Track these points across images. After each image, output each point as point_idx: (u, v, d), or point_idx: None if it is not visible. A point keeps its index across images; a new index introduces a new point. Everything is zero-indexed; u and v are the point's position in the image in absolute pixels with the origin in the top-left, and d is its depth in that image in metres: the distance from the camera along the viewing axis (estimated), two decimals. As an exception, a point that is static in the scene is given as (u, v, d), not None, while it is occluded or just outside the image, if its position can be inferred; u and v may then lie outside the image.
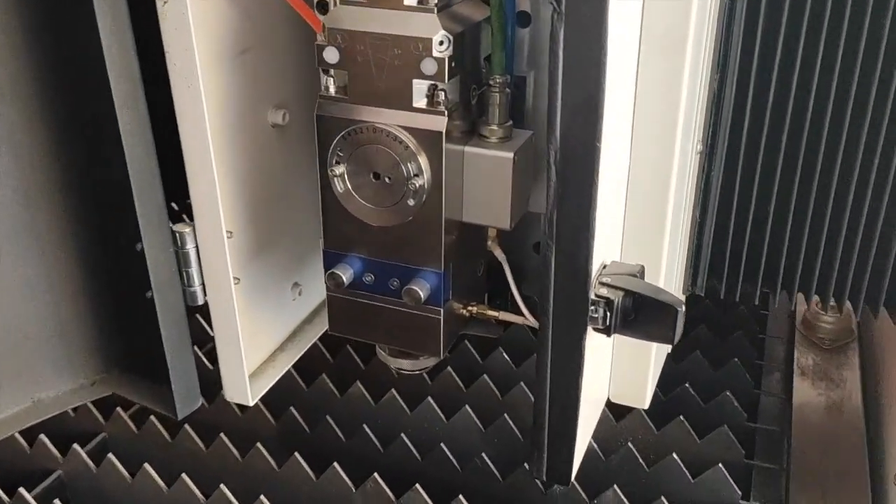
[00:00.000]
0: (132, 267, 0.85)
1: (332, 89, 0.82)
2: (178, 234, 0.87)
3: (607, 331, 0.78)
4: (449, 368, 1.23)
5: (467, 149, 0.83)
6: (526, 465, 1.09)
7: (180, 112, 0.83)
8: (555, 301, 0.78)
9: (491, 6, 0.81)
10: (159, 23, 0.80)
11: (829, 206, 0.87)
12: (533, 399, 0.81)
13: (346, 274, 0.87)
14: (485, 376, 1.21)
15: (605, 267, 0.77)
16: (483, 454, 1.11)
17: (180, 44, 0.79)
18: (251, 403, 0.92)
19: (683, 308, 0.77)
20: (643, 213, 0.81)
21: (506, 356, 1.27)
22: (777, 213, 0.90)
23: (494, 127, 0.84)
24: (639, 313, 0.78)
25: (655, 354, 0.93)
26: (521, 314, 0.90)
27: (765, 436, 1.17)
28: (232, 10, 0.86)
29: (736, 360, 1.29)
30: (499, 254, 0.92)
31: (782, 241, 0.91)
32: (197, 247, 0.87)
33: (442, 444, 1.12)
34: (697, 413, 1.15)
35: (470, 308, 0.93)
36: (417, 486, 0.99)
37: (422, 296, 0.84)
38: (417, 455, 1.10)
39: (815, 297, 0.94)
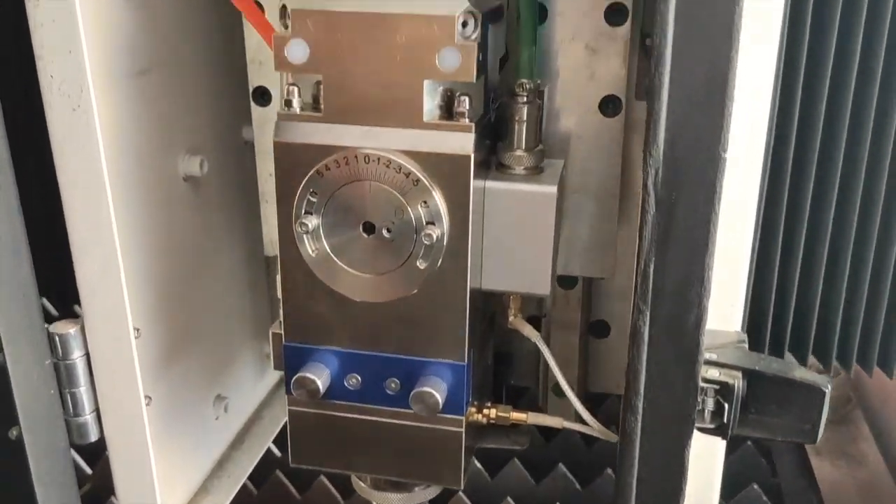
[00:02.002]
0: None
1: (296, 103, 0.57)
2: (58, 338, 0.63)
3: (723, 431, 0.55)
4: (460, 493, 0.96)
5: (490, 184, 0.59)
6: None
7: (60, 146, 0.57)
8: (647, 392, 0.54)
9: (518, -12, 0.58)
10: (27, 15, 0.53)
11: (822, 266, 0.76)
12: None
13: (320, 377, 0.60)
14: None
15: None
16: None
17: (61, 43, 0.53)
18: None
19: (830, 388, 0.54)
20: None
21: (524, 470, 1.00)
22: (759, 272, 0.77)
23: (521, 153, 0.60)
24: (763, 402, 0.55)
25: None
26: (549, 412, 0.66)
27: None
28: (128, 10, 0.63)
29: (749, 442, 1.12)
30: (529, 332, 0.67)
31: (768, 301, 0.79)
32: (88, 354, 0.65)
33: None
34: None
35: (486, 411, 0.67)
36: None
37: (439, 400, 0.58)
38: None
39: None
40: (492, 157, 0.63)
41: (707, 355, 0.56)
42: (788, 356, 0.83)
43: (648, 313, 0.53)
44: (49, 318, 0.65)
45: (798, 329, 0.79)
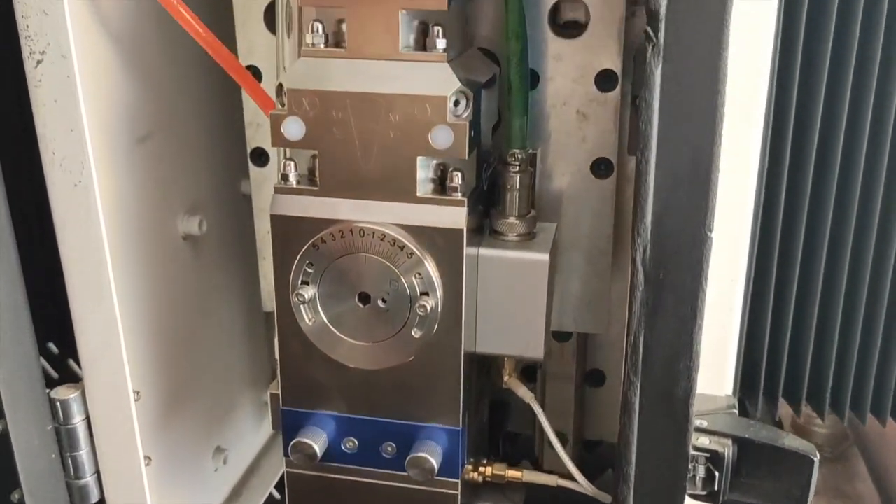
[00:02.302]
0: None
1: (293, 177, 0.58)
2: (59, 404, 0.64)
3: (714, 498, 0.56)
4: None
5: (483, 251, 0.60)
6: None
7: (62, 220, 0.58)
8: (639, 462, 0.55)
9: (508, 59, 0.59)
10: (29, 93, 0.54)
11: (814, 315, 0.76)
12: None
13: (317, 442, 0.61)
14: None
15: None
16: None
17: (64, 123, 0.54)
18: None
19: (818, 458, 0.55)
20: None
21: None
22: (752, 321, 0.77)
23: (514, 220, 0.61)
24: (754, 468, 0.56)
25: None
26: (550, 471, 0.67)
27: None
28: (128, 80, 0.63)
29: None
30: (523, 393, 0.68)
31: (761, 350, 0.79)
32: (88, 419, 0.66)
33: None
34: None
35: (482, 469, 0.68)
36: None
37: (434, 465, 0.58)
38: None
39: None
40: (485, 221, 0.64)
41: (698, 422, 0.57)
42: (782, 402, 0.84)
43: (639, 384, 0.54)
44: (50, 381, 0.66)
45: (791, 377, 0.79)
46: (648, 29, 0.46)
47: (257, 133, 0.74)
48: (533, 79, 0.68)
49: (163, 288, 0.70)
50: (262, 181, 0.76)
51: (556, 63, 0.67)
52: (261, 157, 0.75)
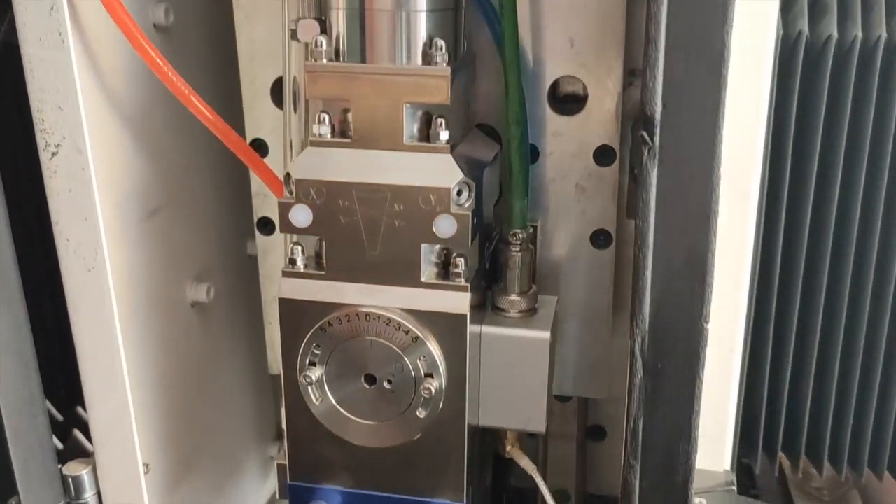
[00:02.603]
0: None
1: (300, 261, 0.59)
2: (71, 480, 0.64)
3: (713, 575, 0.56)
4: None
5: (486, 329, 0.62)
6: None
7: (75, 304, 0.60)
8: (639, 540, 0.55)
9: (509, 143, 0.61)
10: (44, 183, 0.55)
11: (812, 370, 0.77)
12: None
13: (324, 517, 0.61)
14: None
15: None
16: None
17: (78, 212, 0.56)
18: None
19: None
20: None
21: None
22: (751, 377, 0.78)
23: (515, 297, 0.63)
24: (751, 545, 0.57)
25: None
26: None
27: None
28: (139, 160, 0.65)
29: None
30: (526, 464, 0.69)
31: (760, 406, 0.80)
32: (99, 493, 0.67)
33: None
34: None
35: (484, 538, 0.69)
36: None
37: (439, 541, 0.60)
38: None
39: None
40: (487, 294, 0.65)
41: (697, 500, 0.59)
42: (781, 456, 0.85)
43: (638, 468, 0.55)
44: (62, 455, 0.67)
45: (790, 431, 0.80)
46: (644, 134, 0.48)
47: (264, 203, 0.76)
48: (533, 154, 0.69)
49: (172, 357, 0.71)
50: (268, 249, 0.77)
51: (555, 139, 0.69)
52: (267, 225, 0.76)
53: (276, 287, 0.77)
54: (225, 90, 0.72)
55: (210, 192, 0.76)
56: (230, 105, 0.72)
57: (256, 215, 0.76)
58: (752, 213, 0.57)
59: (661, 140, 0.48)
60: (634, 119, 0.69)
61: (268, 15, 0.69)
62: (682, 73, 0.46)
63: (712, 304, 0.51)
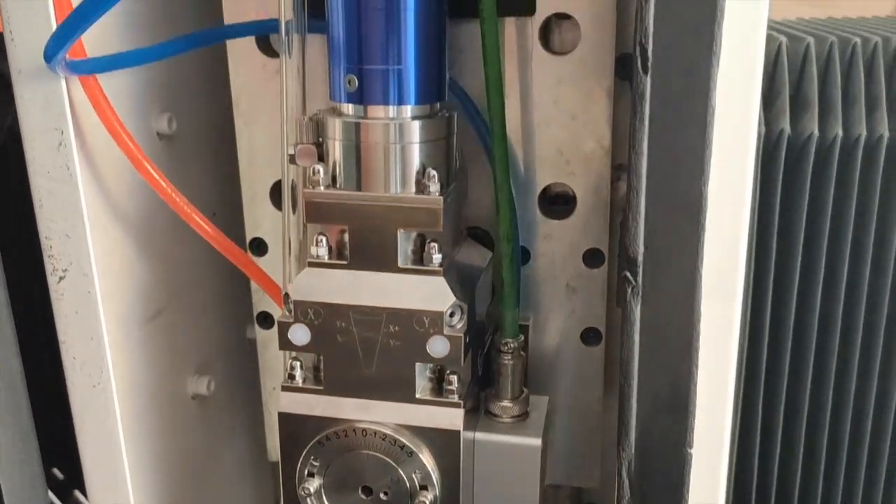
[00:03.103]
0: None
1: (298, 376, 0.61)
2: None
3: None
4: None
5: (479, 435, 0.63)
6: None
7: (81, 418, 0.62)
8: None
9: (501, 256, 0.63)
10: (52, 306, 0.57)
11: (800, 451, 0.79)
12: None
13: None
14: None
15: None
16: None
17: (84, 332, 0.58)
18: None
19: None
20: None
21: None
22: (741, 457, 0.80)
23: (507, 403, 0.65)
24: None
25: None
26: None
27: None
28: (142, 270, 0.67)
29: None
30: (520, 560, 0.71)
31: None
32: None
33: None
34: None
35: None
36: None
37: None
38: None
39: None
40: (481, 394, 0.67)
41: None
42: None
43: (627, 580, 0.57)
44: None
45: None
46: (628, 273, 0.50)
47: (263, 298, 0.78)
48: (524, 255, 0.71)
49: (172, 448, 0.72)
50: (267, 342, 0.79)
51: (545, 242, 0.71)
52: (266, 319, 0.78)
53: (275, 379, 0.80)
54: (226, 191, 0.74)
55: (210, 287, 0.78)
56: (231, 204, 0.74)
57: (256, 310, 0.78)
58: (737, 314, 0.58)
59: (644, 280, 0.50)
60: (623, 216, 0.71)
61: (267, 122, 0.71)
62: (662, 220, 0.48)
63: (695, 429, 0.53)
